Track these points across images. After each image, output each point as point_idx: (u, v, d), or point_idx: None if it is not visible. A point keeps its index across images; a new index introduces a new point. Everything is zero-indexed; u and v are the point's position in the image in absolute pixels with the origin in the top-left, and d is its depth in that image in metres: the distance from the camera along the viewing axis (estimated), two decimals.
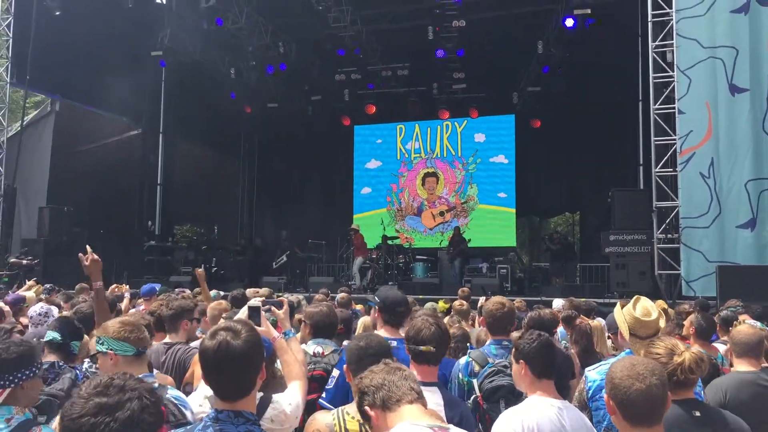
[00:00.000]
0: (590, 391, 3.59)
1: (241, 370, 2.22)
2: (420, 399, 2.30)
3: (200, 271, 7.60)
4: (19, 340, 3.42)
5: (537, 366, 3.09)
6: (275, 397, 2.84)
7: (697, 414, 2.76)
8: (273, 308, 3.50)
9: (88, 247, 4.32)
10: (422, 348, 3.23)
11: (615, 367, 2.41)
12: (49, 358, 3.87)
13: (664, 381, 2.37)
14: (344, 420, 2.65)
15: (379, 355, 2.77)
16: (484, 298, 7.01)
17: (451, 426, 2.28)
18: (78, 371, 3.72)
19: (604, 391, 3.52)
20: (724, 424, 2.81)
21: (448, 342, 3.82)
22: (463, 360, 3.96)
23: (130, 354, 3.10)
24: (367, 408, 2.33)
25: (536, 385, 3.09)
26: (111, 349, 3.08)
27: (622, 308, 3.78)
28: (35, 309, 5.49)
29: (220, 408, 2.21)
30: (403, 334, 4.12)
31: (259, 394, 2.83)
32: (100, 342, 3.12)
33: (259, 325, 3.02)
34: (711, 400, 3.94)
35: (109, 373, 2.50)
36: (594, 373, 3.65)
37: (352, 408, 2.69)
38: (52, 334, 4.02)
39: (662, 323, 3.75)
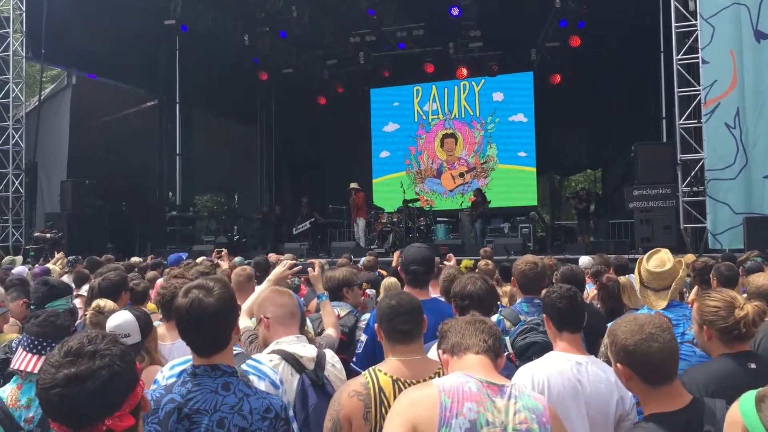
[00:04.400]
0: None
1: (214, 326, 2.27)
2: (489, 352, 2.29)
3: (223, 253, 7.62)
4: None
5: (556, 318, 3.04)
6: (328, 356, 3.08)
7: (753, 366, 2.62)
8: (309, 269, 3.74)
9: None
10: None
11: (621, 332, 2.29)
12: None
13: (674, 334, 2.30)
14: (377, 377, 2.65)
15: (410, 313, 2.76)
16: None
17: (508, 383, 2.24)
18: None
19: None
20: None
21: (495, 297, 3.82)
22: (494, 318, 3.92)
23: None
24: (440, 351, 2.39)
25: (558, 338, 3.05)
26: None
27: (639, 264, 3.78)
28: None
29: (197, 363, 2.28)
30: (430, 296, 4.10)
31: (313, 350, 3.03)
32: None
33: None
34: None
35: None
36: None
37: (384, 365, 2.73)
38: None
39: (681, 274, 3.70)
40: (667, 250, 3.86)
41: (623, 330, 2.29)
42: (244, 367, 2.96)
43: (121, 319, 3.40)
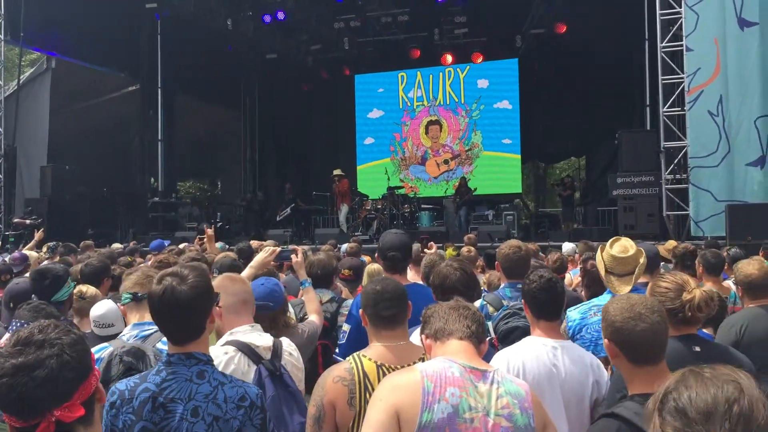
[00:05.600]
0: (570, 331, 3.65)
1: (187, 314, 2.25)
2: (472, 338, 2.30)
3: (210, 232, 7.50)
4: None
5: (535, 306, 3.05)
6: (285, 345, 3.00)
7: (697, 349, 2.68)
8: (292, 256, 3.75)
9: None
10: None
11: (612, 309, 2.34)
12: None
13: (665, 317, 2.34)
14: (361, 362, 2.65)
15: (395, 299, 2.76)
16: None
17: (491, 368, 2.25)
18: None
19: (585, 330, 3.61)
20: (723, 360, 2.66)
21: (477, 285, 3.82)
22: (477, 303, 3.90)
23: (128, 301, 3.27)
24: (423, 336, 2.41)
25: (535, 325, 3.07)
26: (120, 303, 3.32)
27: (602, 251, 3.86)
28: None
29: (172, 352, 2.26)
30: (408, 281, 4.08)
31: (269, 339, 2.96)
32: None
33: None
34: (724, 337, 3.86)
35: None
36: (575, 313, 3.73)
37: (368, 351, 2.73)
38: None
39: (642, 260, 3.78)
40: (627, 238, 3.97)
41: (614, 307, 2.34)
42: (159, 346, 3.01)
43: (104, 308, 3.40)
